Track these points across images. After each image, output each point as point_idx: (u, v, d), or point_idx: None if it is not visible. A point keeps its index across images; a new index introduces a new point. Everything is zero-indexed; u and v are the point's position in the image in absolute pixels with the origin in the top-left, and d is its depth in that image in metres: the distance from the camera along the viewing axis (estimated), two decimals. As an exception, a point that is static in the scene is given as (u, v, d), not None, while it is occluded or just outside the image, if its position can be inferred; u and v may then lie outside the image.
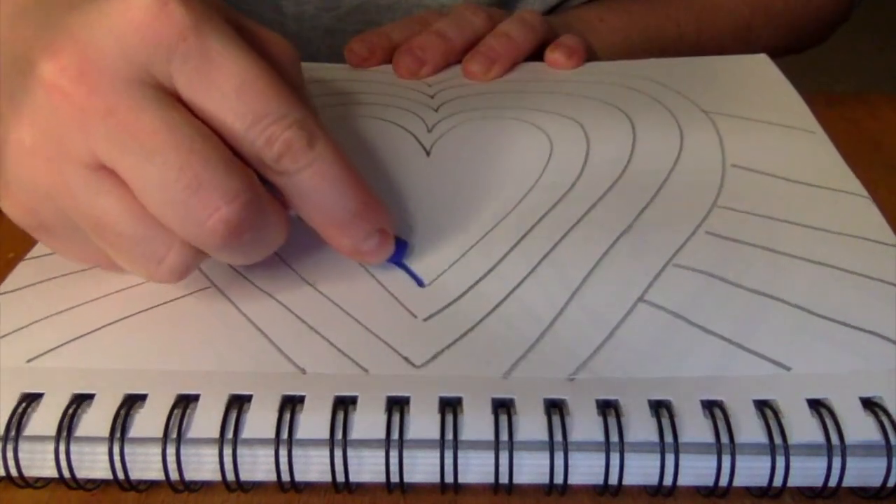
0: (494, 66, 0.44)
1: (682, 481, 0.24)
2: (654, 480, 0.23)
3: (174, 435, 0.24)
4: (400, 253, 0.30)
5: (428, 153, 0.37)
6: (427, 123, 0.39)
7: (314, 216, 0.28)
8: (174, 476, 0.24)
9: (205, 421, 0.24)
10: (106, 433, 0.24)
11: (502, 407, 0.24)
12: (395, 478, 0.24)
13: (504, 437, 0.23)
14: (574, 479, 0.24)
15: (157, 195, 0.24)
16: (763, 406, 0.24)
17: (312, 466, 0.24)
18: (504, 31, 0.45)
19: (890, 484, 0.23)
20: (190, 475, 0.24)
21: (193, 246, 0.26)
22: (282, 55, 0.29)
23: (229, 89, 0.25)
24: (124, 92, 0.24)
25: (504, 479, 0.23)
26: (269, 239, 0.27)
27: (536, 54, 0.46)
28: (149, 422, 0.24)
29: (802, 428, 0.23)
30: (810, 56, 0.61)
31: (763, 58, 0.45)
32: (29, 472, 0.24)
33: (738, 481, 0.23)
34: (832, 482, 0.23)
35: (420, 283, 0.30)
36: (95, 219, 0.25)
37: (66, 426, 0.24)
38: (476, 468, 0.24)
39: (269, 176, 0.27)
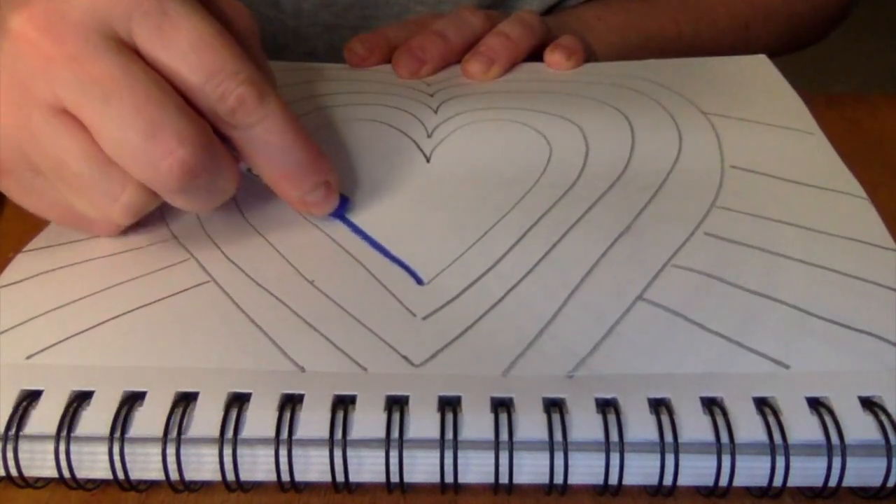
0: (493, 65, 0.44)
1: (682, 481, 0.24)
2: (654, 480, 0.23)
3: (174, 434, 0.24)
4: (343, 207, 0.32)
5: (428, 159, 0.37)
6: (427, 128, 0.39)
7: (265, 168, 0.30)
8: (174, 476, 0.24)
9: (204, 420, 0.24)
10: (106, 432, 0.24)
11: (501, 406, 0.24)
12: (395, 478, 0.24)
13: (504, 436, 0.23)
14: (574, 479, 0.24)
15: (114, 138, 0.26)
16: (762, 405, 0.24)
17: (312, 466, 0.24)
18: (503, 31, 0.45)
19: (890, 484, 0.23)
20: (190, 475, 0.24)
21: (148, 188, 0.27)
22: (239, 20, 0.31)
23: (185, 46, 0.27)
24: (88, 42, 0.26)
25: (504, 479, 0.23)
26: (220, 186, 0.29)
27: (535, 55, 0.46)
28: (148, 421, 0.24)
29: (802, 427, 0.23)
30: (810, 56, 0.61)
31: (762, 58, 0.45)
32: (29, 472, 0.24)
33: (738, 481, 0.23)
34: (832, 482, 0.23)
35: (419, 282, 0.30)
36: (56, 158, 0.27)
37: (66, 425, 0.24)
38: (476, 468, 0.24)
39: (222, 129, 0.28)
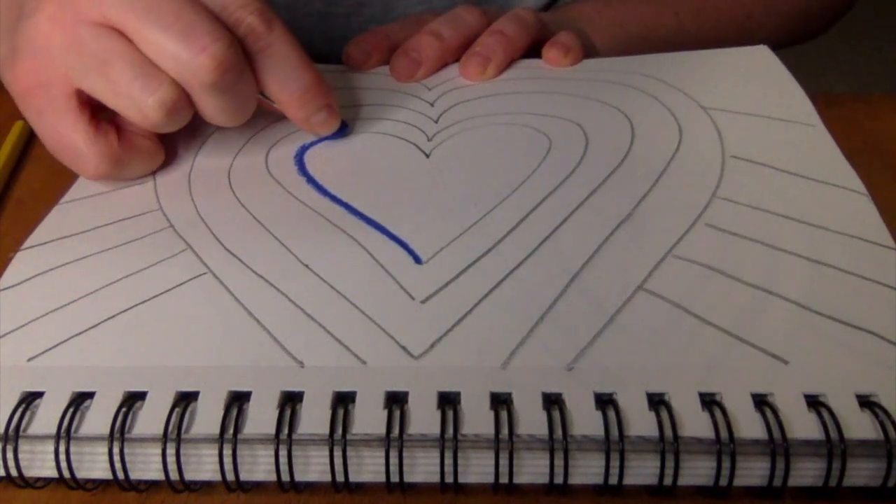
0: (490, 65, 0.44)
1: (682, 481, 0.24)
2: (654, 480, 0.23)
3: (174, 435, 0.24)
4: (342, 130, 0.38)
5: (427, 156, 0.37)
6: (427, 134, 0.39)
7: (274, 89, 0.34)
8: (174, 476, 0.24)
9: (205, 421, 0.24)
10: (106, 432, 0.24)
11: (501, 403, 0.24)
12: (395, 477, 0.24)
13: (504, 435, 0.23)
14: (574, 480, 0.24)
15: (156, 41, 0.30)
16: (761, 402, 0.24)
17: (312, 466, 0.24)
18: (498, 29, 0.45)
19: (890, 484, 0.23)
20: (190, 475, 0.24)
21: (181, 87, 0.32)
22: None
23: None
24: None
25: (504, 479, 0.23)
26: (244, 91, 0.33)
27: (533, 51, 0.46)
28: (149, 422, 0.24)
29: (801, 425, 0.23)
30: (810, 56, 0.60)
31: (763, 49, 0.45)
32: (29, 472, 0.24)
33: (739, 480, 0.23)
34: (832, 482, 0.23)
35: (417, 260, 0.30)
36: (102, 60, 0.31)
37: (67, 425, 0.24)
38: (476, 468, 0.24)
39: None
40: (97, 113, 0.34)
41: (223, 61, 0.31)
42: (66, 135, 0.33)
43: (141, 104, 0.31)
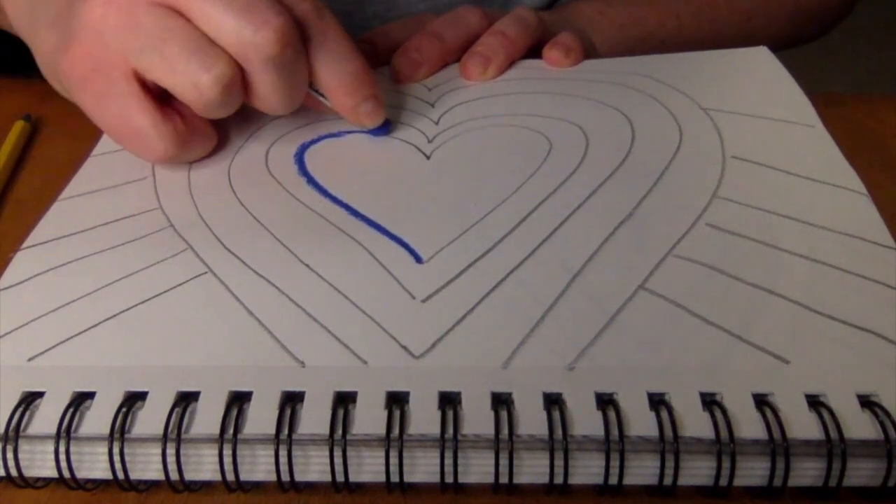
0: (490, 65, 0.44)
1: (682, 481, 0.24)
2: (654, 480, 0.23)
3: (174, 435, 0.24)
4: (387, 126, 0.38)
5: (428, 157, 0.37)
6: (427, 136, 0.39)
7: (324, 76, 0.35)
8: (174, 476, 0.24)
9: (205, 421, 0.24)
10: (106, 432, 0.24)
11: (501, 404, 0.24)
12: (395, 477, 0.24)
13: (504, 435, 0.23)
14: (574, 480, 0.24)
15: (215, 17, 0.31)
16: (762, 402, 0.24)
17: (312, 466, 0.24)
18: (499, 30, 0.45)
19: (890, 484, 0.23)
20: (190, 475, 0.24)
21: (237, 64, 0.32)
22: None
23: None
24: None
25: (504, 479, 0.23)
26: (299, 74, 0.34)
27: (534, 52, 0.46)
28: (149, 422, 0.24)
29: (801, 424, 0.23)
30: (810, 56, 0.60)
31: (763, 50, 0.45)
32: (29, 472, 0.24)
33: (739, 480, 0.24)
34: (832, 482, 0.23)
35: (418, 260, 0.30)
36: (159, 38, 0.31)
37: (67, 425, 0.24)
38: (476, 468, 0.24)
39: None
40: (157, 96, 0.33)
41: (284, 34, 0.31)
42: (133, 118, 0.33)
43: (198, 81, 0.31)
